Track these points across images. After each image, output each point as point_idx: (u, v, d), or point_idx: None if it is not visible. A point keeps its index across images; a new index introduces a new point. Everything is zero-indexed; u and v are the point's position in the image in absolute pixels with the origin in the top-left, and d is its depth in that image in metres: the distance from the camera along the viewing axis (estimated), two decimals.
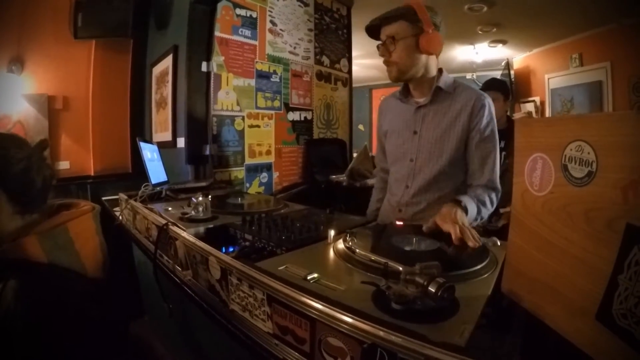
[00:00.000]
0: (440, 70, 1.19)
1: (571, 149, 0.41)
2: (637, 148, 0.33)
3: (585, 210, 0.40)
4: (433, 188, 1.16)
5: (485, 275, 0.62)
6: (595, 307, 0.39)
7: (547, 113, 3.76)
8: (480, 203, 1.05)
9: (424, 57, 1.12)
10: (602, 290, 0.38)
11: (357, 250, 0.68)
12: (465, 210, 0.96)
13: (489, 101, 1.14)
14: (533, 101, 3.91)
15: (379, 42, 1.14)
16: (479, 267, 0.63)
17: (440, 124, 1.15)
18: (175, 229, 0.92)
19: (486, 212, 1.08)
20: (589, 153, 0.38)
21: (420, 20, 1.08)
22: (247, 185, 2.15)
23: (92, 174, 2.33)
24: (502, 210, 1.81)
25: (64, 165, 2.22)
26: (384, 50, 1.12)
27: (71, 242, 0.76)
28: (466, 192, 1.11)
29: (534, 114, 3.83)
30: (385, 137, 1.32)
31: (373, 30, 1.17)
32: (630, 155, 0.34)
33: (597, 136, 0.38)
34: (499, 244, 0.78)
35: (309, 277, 0.59)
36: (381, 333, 0.41)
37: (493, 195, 1.10)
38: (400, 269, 0.53)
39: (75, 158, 2.27)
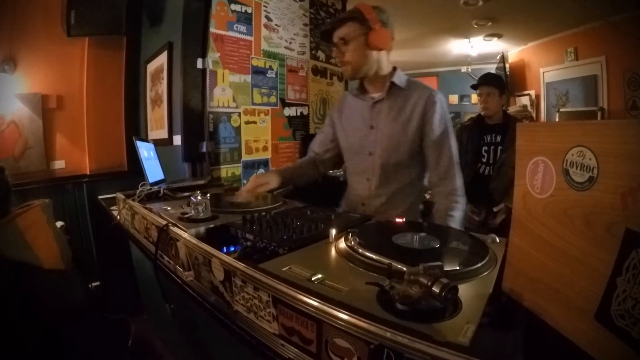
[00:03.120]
0: (394, 68, 1.25)
1: (573, 154, 0.42)
2: (638, 156, 0.34)
3: (585, 213, 0.41)
4: (393, 180, 1.24)
5: (486, 274, 0.63)
6: (594, 307, 0.40)
7: (542, 107, 3.78)
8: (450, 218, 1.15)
9: (375, 53, 1.19)
10: (601, 291, 0.39)
11: (360, 249, 0.69)
12: None
13: (439, 97, 1.21)
14: (528, 95, 3.93)
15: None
16: (479, 265, 0.64)
17: (396, 119, 1.21)
18: (176, 229, 0.92)
19: (460, 214, 1.17)
20: (590, 159, 0.39)
21: (368, 20, 1.14)
22: (244, 182, 2.14)
23: (88, 172, 2.31)
24: (495, 209, 1.84)
25: (59, 164, 2.19)
26: (338, 52, 1.20)
27: (21, 235, 0.79)
28: (426, 188, 1.25)
29: (529, 108, 3.85)
30: (335, 130, 1.39)
31: (327, 35, 1.24)
32: (630, 163, 0.35)
33: (598, 143, 0.39)
34: (497, 240, 0.79)
35: (313, 278, 0.60)
36: (388, 334, 0.42)
37: (455, 197, 1.18)
38: (404, 269, 0.54)
39: (70, 157, 2.24)
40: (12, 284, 0.72)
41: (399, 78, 1.23)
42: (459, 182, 1.20)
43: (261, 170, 2.24)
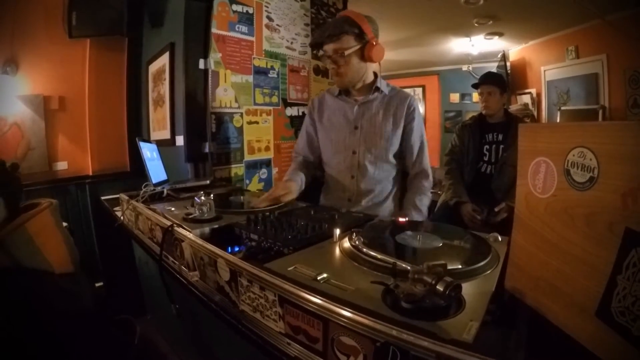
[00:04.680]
0: (375, 73, 1.33)
1: (574, 155, 0.43)
2: (638, 157, 0.35)
3: (586, 213, 0.42)
4: (377, 177, 1.33)
5: (488, 272, 0.64)
6: (595, 304, 0.41)
7: (543, 105, 3.78)
8: (418, 211, 1.29)
9: (367, 64, 1.26)
10: (601, 289, 0.40)
11: (364, 249, 0.70)
12: None
13: (417, 103, 1.36)
14: (529, 93, 3.93)
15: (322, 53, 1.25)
16: (482, 263, 0.65)
17: (379, 120, 1.31)
18: (181, 230, 0.93)
19: (425, 207, 1.32)
20: (591, 159, 0.40)
21: (364, 33, 1.19)
22: (247, 182, 2.15)
23: (91, 173, 2.32)
24: (497, 209, 1.85)
25: (62, 165, 2.21)
26: (333, 63, 1.23)
27: (31, 240, 0.78)
28: (405, 183, 1.37)
29: (530, 106, 3.85)
30: (317, 131, 1.44)
31: (318, 45, 1.27)
32: (630, 163, 0.36)
33: (599, 144, 0.40)
34: (500, 239, 0.80)
35: (319, 278, 0.61)
36: (394, 332, 0.43)
37: (427, 184, 1.34)
38: (408, 268, 0.54)
39: (73, 158, 2.25)
40: (24, 291, 0.72)
41: (381, 83, 1.33)
42: (430, 178, 1.36)
43: (263, 171, 2.25)
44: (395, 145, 1.32)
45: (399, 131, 1.31)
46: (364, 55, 1.22)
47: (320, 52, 1.26)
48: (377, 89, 1.32)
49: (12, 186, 0.85)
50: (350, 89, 1.35)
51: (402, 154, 1.35)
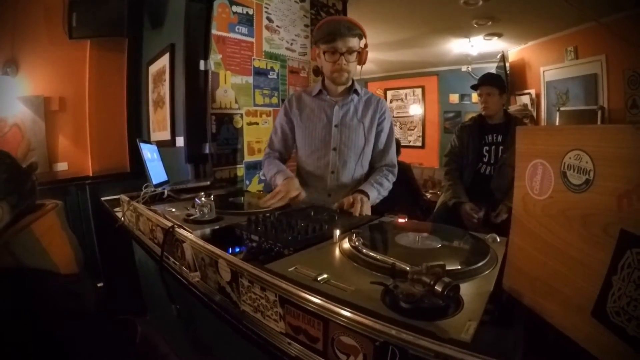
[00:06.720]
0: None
1: (570, 157, 0.43)
2: (633, 160, 0.36)
3: (582, 215, 0.43)
4: (356, 172, 1.44)
5: (487, 272, 0.65)
6: (591, 304, 0.42)
7: (543, 106, 3.78)
8: (380, 185, 1.36)
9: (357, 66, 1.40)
10: (597, 289, 0.41)
11: (364, 250, 0.71)
12: (368, 196, 1.28)
13: (387, 105, 1.51)
14: (528, 94, 3.93)
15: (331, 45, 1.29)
16: (480, 264, 0.66)
17: (357, 120, 1.42)
18: (182, 231, 0.93)
19: (386, 190, 1.40)
20: (587, 162, 0.41)
21: (364, 37, 1.34)
22: (247, 182, 2.16)
23: (91, 174, 2.32)
24: (496, 211, 1.86)
25: (62, 166, 2.21)
26: (341, 59, 1.31)
27: (38, 243, 0.78)
28: (370, 174, 1.44)
29: (529, 107, 3.86)
30: (294, 129, 1.49)
31: (332, 38, 1.32)
32: (625, 166, 0.36)
33: (595, 147, 0.40)
34: (498, 240, 0.80)
35: (319, 278, 0.61)
36: (393, 331, 0.44)
37: (390, 176, 1.43)
38: (407, 268, 0.55)
39: (73, 159, 2.26)
40: (30, 291, 0.72)
41: (357, 86, 1.45)
42: (395, 171, 1.46)
43: (263, 172, 2.25)
44: (371, 142, 1.44)
45: (374, 130, 1.44)
46: (360, 57, 1.35)
47: (326, 46, 1.30)
48: (356, 91, 1.43)
49: (27, 185, 0.84)
50: (331, 89, 1.44)
51: (373, 150, 1.47)
